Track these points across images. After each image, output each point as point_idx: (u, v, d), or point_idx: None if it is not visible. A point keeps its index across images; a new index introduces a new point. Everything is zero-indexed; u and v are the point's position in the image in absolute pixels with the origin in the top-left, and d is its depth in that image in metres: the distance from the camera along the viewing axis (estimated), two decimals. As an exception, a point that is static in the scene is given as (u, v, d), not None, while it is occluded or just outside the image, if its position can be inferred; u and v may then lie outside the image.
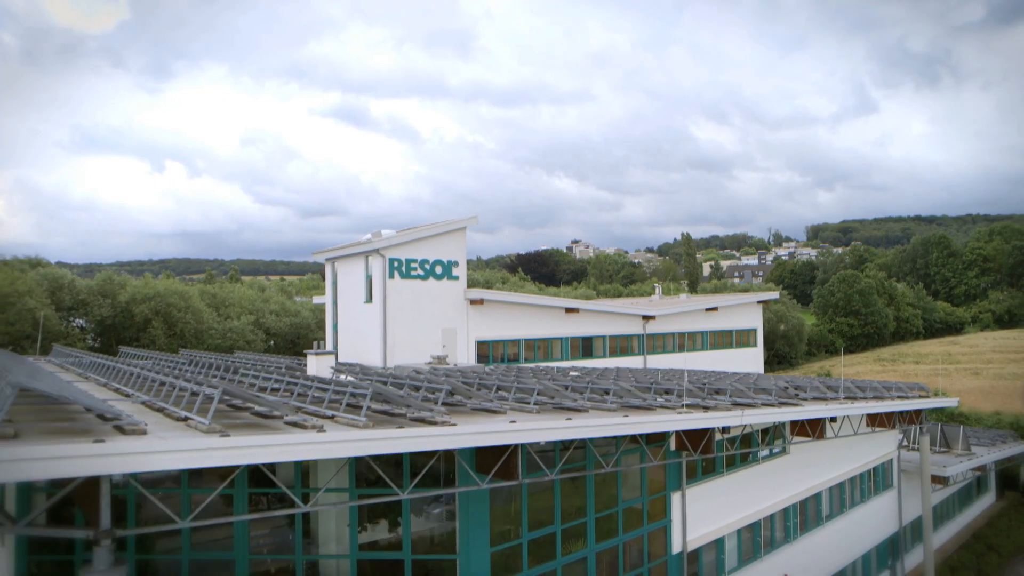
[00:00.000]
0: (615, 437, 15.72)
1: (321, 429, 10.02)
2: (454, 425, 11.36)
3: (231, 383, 13.81)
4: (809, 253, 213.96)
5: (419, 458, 12.49)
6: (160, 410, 11.28)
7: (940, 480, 32.02)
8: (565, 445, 14.96)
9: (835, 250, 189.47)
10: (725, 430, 18.58)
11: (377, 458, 11.27)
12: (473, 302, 37.86)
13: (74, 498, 8.94)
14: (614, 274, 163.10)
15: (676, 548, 19.28)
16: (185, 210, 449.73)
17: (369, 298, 35.89)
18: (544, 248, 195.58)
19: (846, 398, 24.20)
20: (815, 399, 22.94)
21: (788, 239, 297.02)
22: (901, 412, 28.26)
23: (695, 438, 17.88)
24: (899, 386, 29.41)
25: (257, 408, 11.38)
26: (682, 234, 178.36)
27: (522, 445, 13.37)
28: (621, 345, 45.55)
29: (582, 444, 15.58)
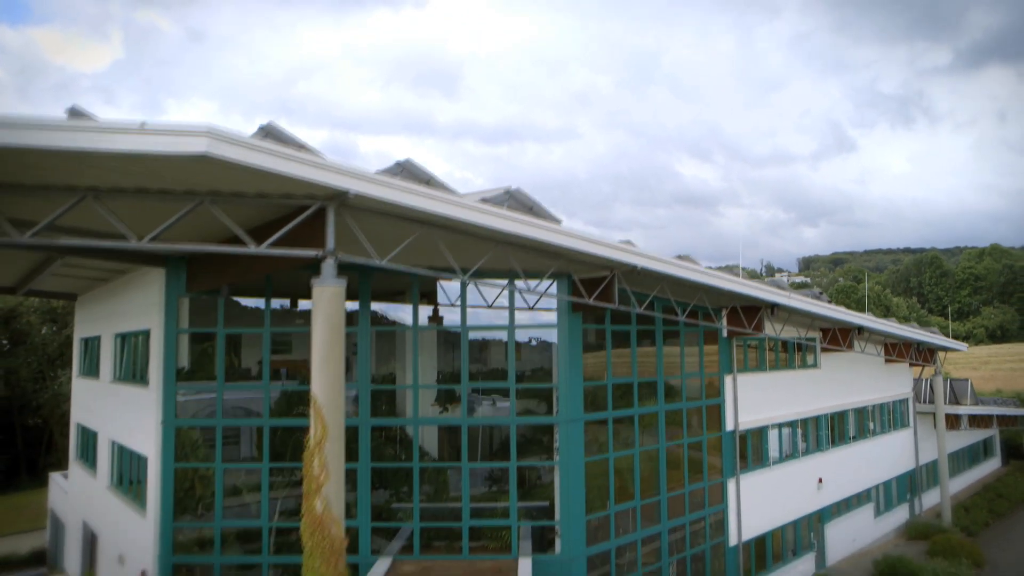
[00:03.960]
0: (688, 284, 17.83)
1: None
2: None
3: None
4: (804, 281, 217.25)
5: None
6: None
7: (953, 421, 34.14)
8: (645, 295, 17.16)
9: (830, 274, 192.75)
10: (773, 310, 20.72)
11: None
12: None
13: (305, 226, 10.97)
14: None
15: (729, 426, 21.31)
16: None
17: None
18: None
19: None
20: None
21: (780, 270, 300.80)
22: (918, 344, 30.60)
23: (750, 312, 20.13)
24: (914, 327, 31.68)
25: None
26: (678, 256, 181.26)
27: (618, 274, 15.56)
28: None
29: (661, 296, 17.76)
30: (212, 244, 11.20)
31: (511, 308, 16.35)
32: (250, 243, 10.84)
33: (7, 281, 24.45)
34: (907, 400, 33.28)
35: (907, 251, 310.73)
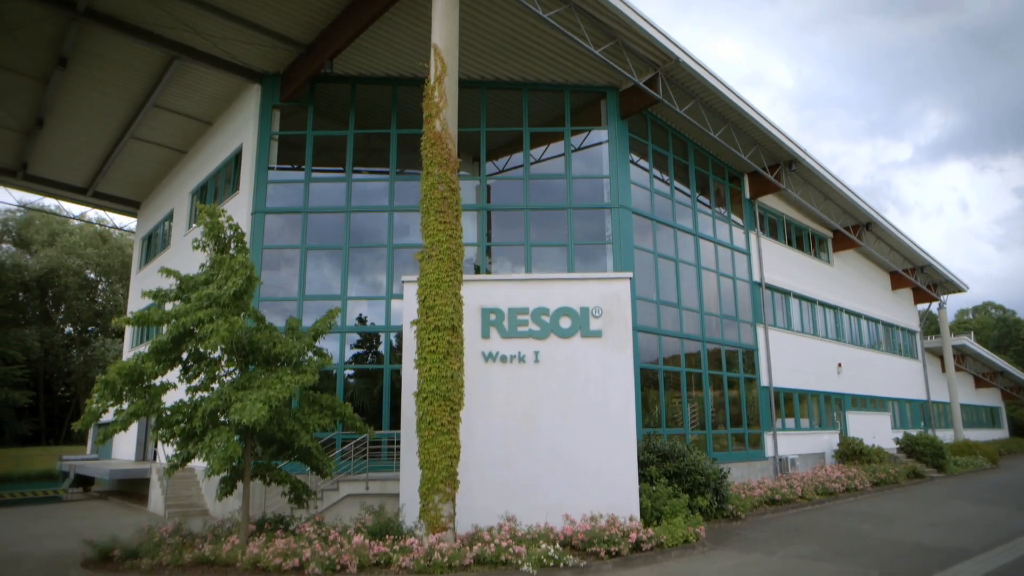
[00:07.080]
0: (718, 108, 20.04)
1: None
2: None
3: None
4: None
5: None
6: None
7: (959, 359, 35.66)
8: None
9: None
10: (792, 168, 22.86)
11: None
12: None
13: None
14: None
15: (756, 277, 23.06)
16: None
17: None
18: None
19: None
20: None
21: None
22: (922, 269, 32.61)
23: (770, 169, 22.38)
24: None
25: None
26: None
27: (661, 74, 17.81)
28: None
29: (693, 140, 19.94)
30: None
31: (567, 117, 18.55)
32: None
33: (80, 179, 26.64)
34: (915, 335, 34.94)
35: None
